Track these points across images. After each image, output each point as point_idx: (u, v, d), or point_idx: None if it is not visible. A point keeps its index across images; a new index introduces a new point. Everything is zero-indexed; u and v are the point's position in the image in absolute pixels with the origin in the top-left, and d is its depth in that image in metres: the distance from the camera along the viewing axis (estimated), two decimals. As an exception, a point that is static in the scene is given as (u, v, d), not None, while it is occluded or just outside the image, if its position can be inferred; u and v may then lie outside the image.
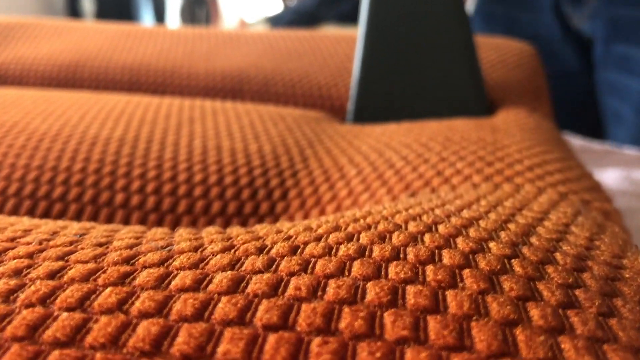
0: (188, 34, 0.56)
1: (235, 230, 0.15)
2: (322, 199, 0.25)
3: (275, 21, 1.43)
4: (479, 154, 0.25)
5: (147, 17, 1.96)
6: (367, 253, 0.13)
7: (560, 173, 0.23)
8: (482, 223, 0.14)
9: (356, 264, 0.12)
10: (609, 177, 0.59)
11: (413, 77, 0.41)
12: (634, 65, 0.65)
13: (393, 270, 0.12)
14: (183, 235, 0.14)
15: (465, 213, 0.15)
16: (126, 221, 0.25)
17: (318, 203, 0.25)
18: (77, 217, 0.25)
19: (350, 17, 1.31)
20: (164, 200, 0.25)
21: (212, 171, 0.27)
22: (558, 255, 0.12)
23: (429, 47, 0.41)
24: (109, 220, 0.25)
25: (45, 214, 0.25)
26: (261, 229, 0.15)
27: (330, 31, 1.20)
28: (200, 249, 0.13)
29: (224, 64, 0.47)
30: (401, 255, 0.13)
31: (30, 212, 0.25)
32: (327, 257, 0.13)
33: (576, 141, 0.63)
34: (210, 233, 0.14)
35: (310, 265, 0.12)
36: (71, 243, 0.13)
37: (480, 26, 0.81)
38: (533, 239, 0.13)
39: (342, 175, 0.26)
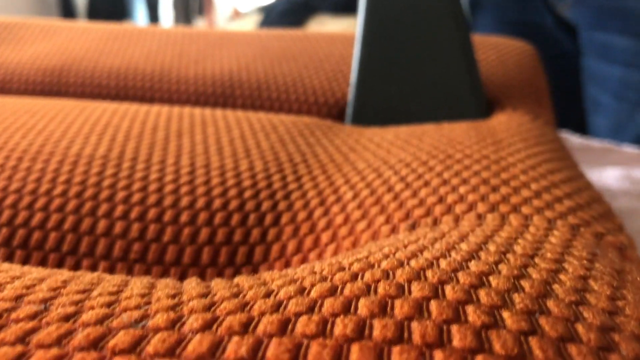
0: (177, 34, 0.54)
1: (219, 291, 0.13)
2: (317, 226, 0.23)
3: (269, 11, 1.41)
4: (482, 175, 0.23)
5: (139, 9, 1.93)
6: (372, 291, 0.13)
7: (570, 199, 0.21)
8: (493, 281, 0.13)
9: (362, 302, 0.12)
10: (609, 176, 0.58)
11: (411, 79, 0.40)
12: (613, 52, 0.65)
13: (398, 307, 0.12)
14: (161, 301, 0.13)
15: (474, 266, 0.14)
16: (109, 250, 0.23)
17: (312, 230, 0.23)
18: (57, 246, 0.24)
19: (345, 8, 1.29)
20: (149, 227, 0.24)
21: (199, 194, 0.25)
22: (580, 329, 0.11)
23: (426, 48, 0.40)
24: (92, 249, 0.24)
25: (24, 243, 0.24)
26: (249, 287, 0.14)
27: (325, 30, 1.18)
28: (178, 324, 0.11)
29: (214, 67, 0.46)
30: (405, 292, 0.13)
31: (7, 242, 0.24)
32: (333, 297, 0.13)
33: (575, 139, 0.62)
34: (191, 296, 0.13)
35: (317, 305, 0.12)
36: (35, 316, 0.12)
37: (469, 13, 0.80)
38: (551, 304, 0.12)
39: (337, 198, 0.25)
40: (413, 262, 0.14)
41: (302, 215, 0.24)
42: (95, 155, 0.28)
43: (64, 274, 0.15)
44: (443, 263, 0.14)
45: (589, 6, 0.67)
